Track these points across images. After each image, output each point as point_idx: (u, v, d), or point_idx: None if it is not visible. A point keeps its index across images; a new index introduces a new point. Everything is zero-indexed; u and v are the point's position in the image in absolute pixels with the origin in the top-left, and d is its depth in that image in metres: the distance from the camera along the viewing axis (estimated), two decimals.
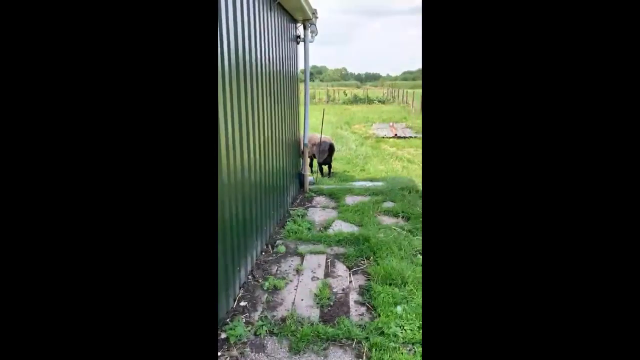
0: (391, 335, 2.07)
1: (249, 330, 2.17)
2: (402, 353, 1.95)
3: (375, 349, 1.98)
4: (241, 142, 2.54)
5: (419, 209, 4.06)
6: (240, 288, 2.61)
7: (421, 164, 6.62)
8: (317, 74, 71.35)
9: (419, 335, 2.07)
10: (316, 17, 4.67)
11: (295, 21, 4.52)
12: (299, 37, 4.66)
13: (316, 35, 4.86)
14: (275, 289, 2.63)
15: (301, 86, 5.00)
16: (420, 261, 2.93)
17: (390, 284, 2.59)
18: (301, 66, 4.84)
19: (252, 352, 2.01)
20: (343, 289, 2.63)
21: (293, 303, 2.46)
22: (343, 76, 76.45)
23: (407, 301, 2.39)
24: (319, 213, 4.18)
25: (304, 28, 4.65)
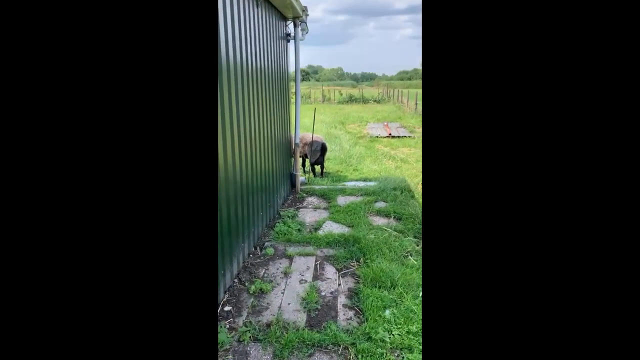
0: (379, 341, 2.01)
1: (232, 337, 2.10)
2: (389, 359, 1.89)
3: (362, 356, 1.91)
4: (224, 141, 2.46)
5: (410, 209, 4.01)
6: (225, 292, 2.53)
7: (414, 164, 6.62)
8: (313, 73, 71.30)
9: (407, 341, 2.00)
10: (307, 15, 4.60)
11: (285, 19, 4.44)
12: (289, 35, 4.59)
13: (307, 33, 4.78)
14: (262, 293, 2.55)
15: (294, 85, 4.92)
16: (411, 263, 2.87)
17: (379, 287, 2.53)
18: (293, 64, 4.77)
19: (234, 359, 1.93)
20: (331, 292, 2.56)
21: (279, 307, 2.39)
22: (339, 76, 76.42)
23: (397, 305, 2.33)
24: (310, 214, 4.12)
25: (295, 26, 4.58)
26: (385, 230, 3.50)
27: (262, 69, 3.40)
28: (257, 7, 3.22)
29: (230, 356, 1.95)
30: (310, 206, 4.40)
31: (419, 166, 6.44)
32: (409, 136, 10.08)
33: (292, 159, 4.94)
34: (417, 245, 3.22)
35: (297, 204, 4.49)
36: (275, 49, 3.93)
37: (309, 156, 5.75)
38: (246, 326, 2.18)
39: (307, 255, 3.10)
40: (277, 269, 2.91)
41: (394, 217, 3.89)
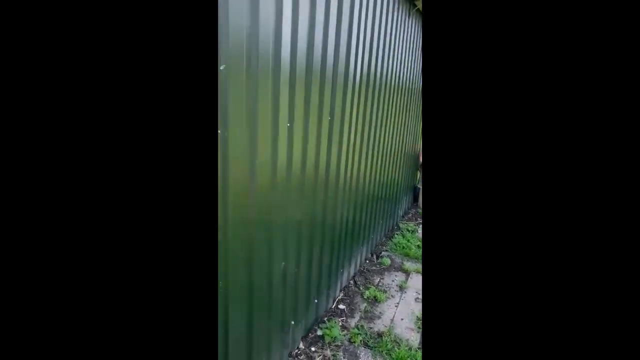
0: None
1: (344, 335, 2.15)
2: None
3: None
4: (354, 150, 2.56)
5: None
6: (340, 291, 2.62)
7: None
8: None
9: None
10: None
11: None
12: None
13: None
14: (375, 301, 2.54)
15: None
16: None
17: None
18: None
19: (344, 357, 1.98)
20: None
21: (392, 320, 2.33)
22: None
23: None
24: None
25: None
26: None
27: (401, 79, 3.40)
28: (409, 17, 3.24)
29: (341, 353, 2.01)
30: None
31: None
32: None
33: (418, 172, 4.78)
34: None
35: (418, 218, 4.31)
36: (416, 60, 3.88)
37: None
38: (358, 329, 2.21)
39: None
40: (392, 280, 2.85)
41: None
